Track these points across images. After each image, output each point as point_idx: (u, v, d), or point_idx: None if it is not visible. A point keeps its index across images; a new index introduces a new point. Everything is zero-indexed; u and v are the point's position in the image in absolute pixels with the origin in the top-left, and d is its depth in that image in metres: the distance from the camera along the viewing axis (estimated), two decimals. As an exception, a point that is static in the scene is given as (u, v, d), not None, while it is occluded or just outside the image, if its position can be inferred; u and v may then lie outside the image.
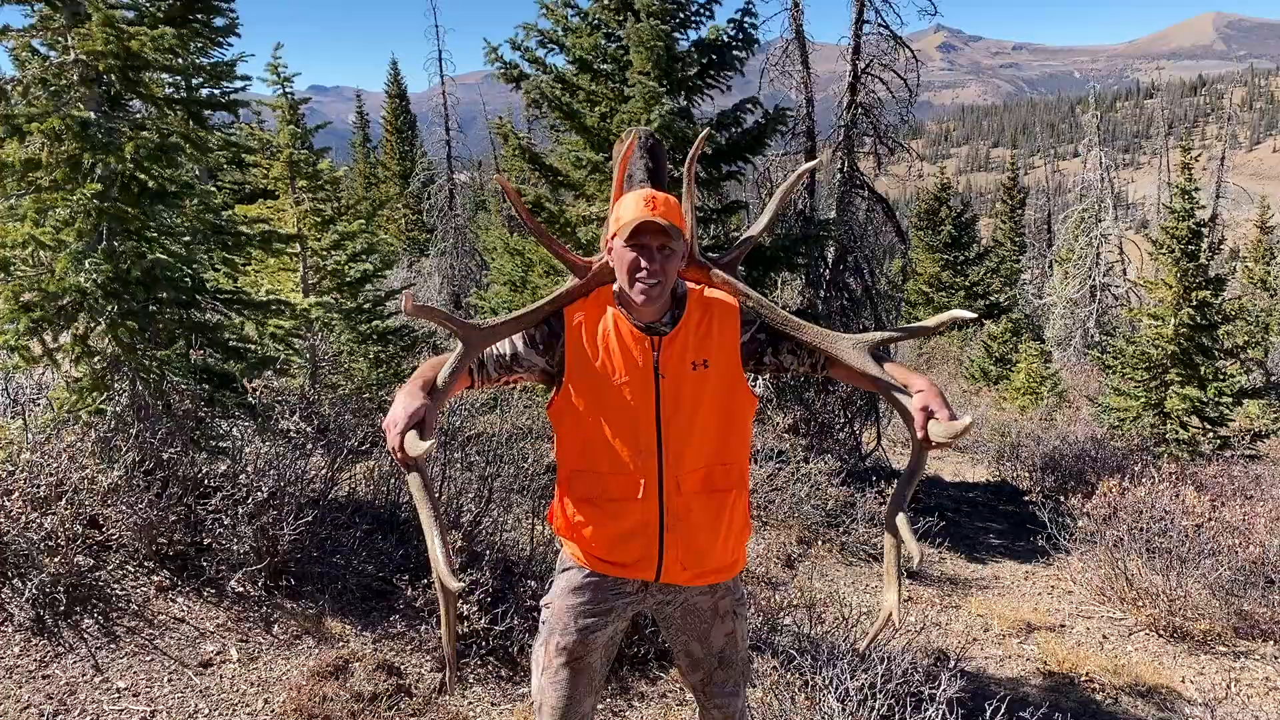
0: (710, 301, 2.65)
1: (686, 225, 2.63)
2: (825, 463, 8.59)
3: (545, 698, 2.74)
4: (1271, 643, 6.38)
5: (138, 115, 5.66)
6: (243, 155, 7.11)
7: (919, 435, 2.39)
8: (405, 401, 2.31)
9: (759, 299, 2.65)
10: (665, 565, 2.64)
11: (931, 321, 2.49)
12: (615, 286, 2.61)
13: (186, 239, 5.81)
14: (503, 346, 2.59)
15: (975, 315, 2.55)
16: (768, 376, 2.29)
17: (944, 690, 3.91)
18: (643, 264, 2.48)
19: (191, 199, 5.74)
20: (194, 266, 5.88)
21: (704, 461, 2.63)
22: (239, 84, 7.14)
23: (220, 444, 5.73)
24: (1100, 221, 25.29)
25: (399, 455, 2.26)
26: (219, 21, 5.91)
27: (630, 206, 2.51)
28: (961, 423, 2.30)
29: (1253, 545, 6.92)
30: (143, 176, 5.24)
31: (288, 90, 9.19)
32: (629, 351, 2.57)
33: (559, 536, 2.81)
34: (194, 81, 7.55)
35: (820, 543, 7.54)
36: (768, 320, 2.64)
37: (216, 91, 8.01)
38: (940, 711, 3.78)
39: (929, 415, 2.38)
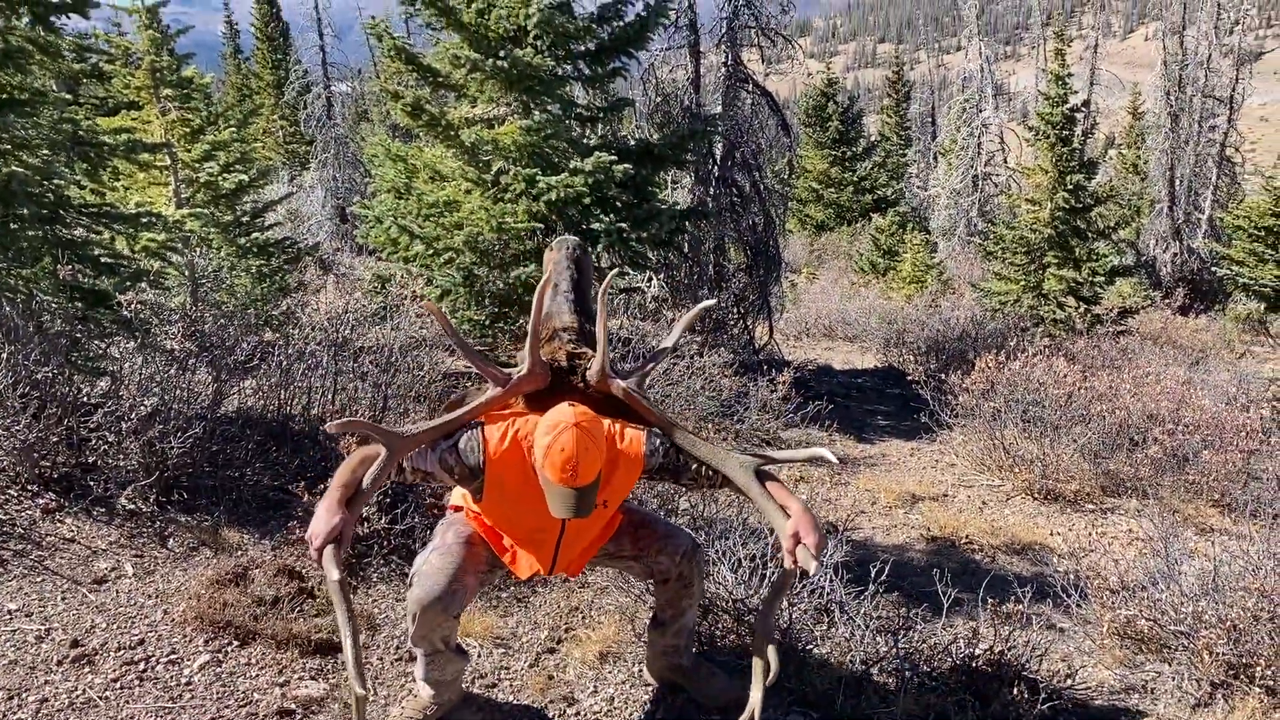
0: (618, 454, 2.84)
1: (599, 350, 2.88)
2: (719, 355, 8.75)
3: (430, 564, 2.90)
4: (1135, 498, 6.86)
5: (-23, 19, 5.31)
6: (101, 65, 6.74)
7: (787, 561, 2.65)
8: (325, 518, 2.53)
9: (661, 416, 2.94)
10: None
11: (804, 453, 2.83)
12: (532, 434, 2.72)
13: (45, 151, 5.53)
14: (422, 463, 2.77)
15: (836, 460, 2.96)
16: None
17: (831, 556, 4.12)
18: None
19: (46, 108, 5.45)
20: (55, 181, 5.61)
21: (586, 545, 3.05)
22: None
23: (98, 364, 5.55)
24: (981, 111, 25.77)
25: (320, 564, 2.51)
26: (61, -84, 5.53)
27: (554, 469, 2.54)
28: (811, 566, 2.60)
29: (1118, 410, 7.37)
30: (-12, 84, 4.94)
31: (144, -8, 8.69)
32: (541, 501, 2.72)
33: None
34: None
35: (715, 431, 7.74)
36: (669, 437, 2.89)
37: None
38: (827, 575, 3.99)
39: (798, 541, 2.62)
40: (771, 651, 2.69)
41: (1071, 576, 4.62)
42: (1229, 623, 3.84)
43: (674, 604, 3.21)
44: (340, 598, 2.51)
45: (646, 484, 5.43)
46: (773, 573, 3.96)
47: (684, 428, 2.92)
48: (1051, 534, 6.15)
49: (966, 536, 6.02)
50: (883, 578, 3.94)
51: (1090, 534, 6.21)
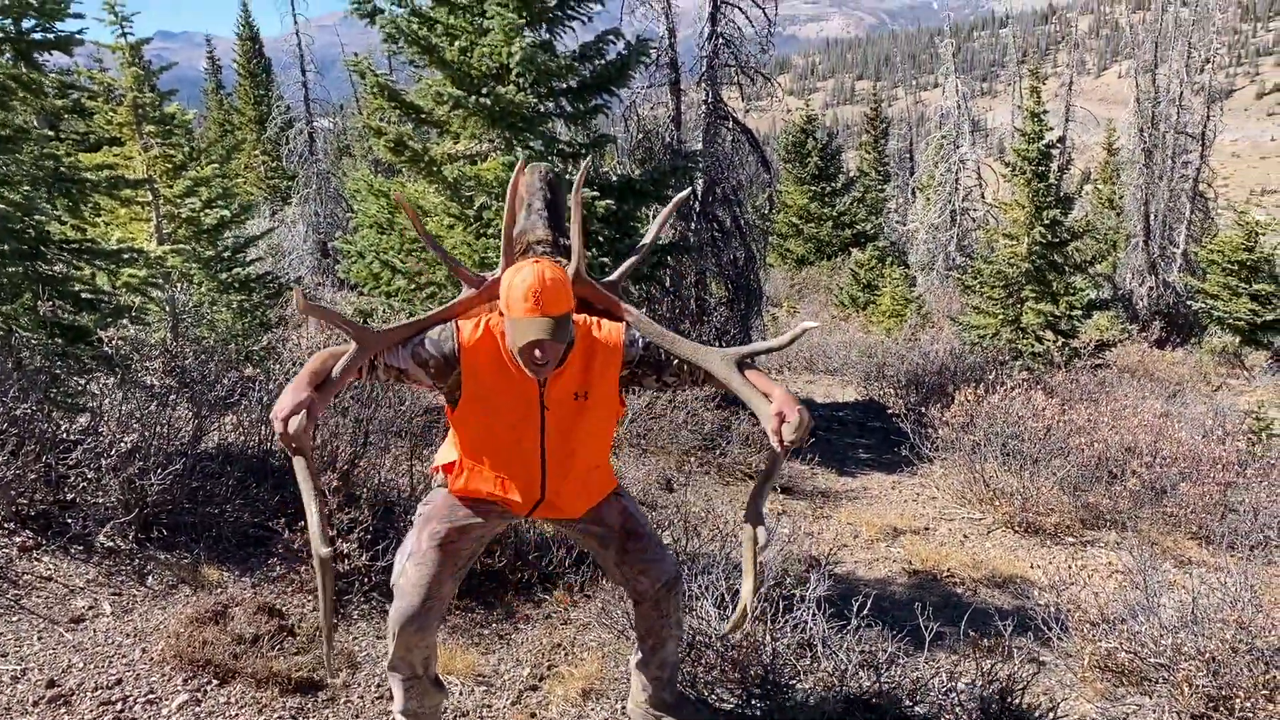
0: (595, 341, 2.82)
1: (575, 252, 2.88)
2: (701, 389, 8.79)
3: (407, 576, 2.88)
4: (1114, 530, 6.90)
5: (-40, 57, 5.34)
6: (84, 101, 6.75)
7: (774, 439, 2.67)
8: (292, 395, 2.48)
9: (637, 315, 2.93)
10: (535, 517, 3.05)
11: (786, 337, 2.80)
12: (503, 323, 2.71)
13: (26, 188, 5.53)
14: (395, 359, 2.73)
15: (818, 325, 2.88)
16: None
17: (813, 590, 4.12)
18: (535, 353, 2.62)
19: (28, 144, 5.46)
20: (36, 216, 5.61)
21: (579, 469, 2.94)
22: (74, 26, 6.77)
23: (77, 400, 5.52)
24: (958, 147, 26.10)
25: (284, 440, 2.45)
26: (46, -45, 5.58)
27: (519, 303, 2.56)
28: (796, 433, 2.61)
29: (1097, 443, 7.43)
30: (-29, 121, 4.95)
31: (127, 30, 8.72)
32: (518, 389, 2.75)
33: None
34: (24, 24, 7.12)
35: (697, 465, 7.76)
36: (647, 335, 2.87)
37: (51, 36, 7.57)
38: (809, 610, 3.99)
39: (782, 420, 2.65)
40: (760, 531, 2.75)
41: (1052, 609, 4.64)
42: (1208, 655, 3.86)
43: (654, 632, 3.20)
44: (305, 473, 2.51)
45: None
46: (756, 607, 3.96)
47: (660, 327, 2.92)
48: (1032, 567, 6.18)
49: (948, 570, 6.04)
50: (865, 612, 3.95)
51: (1070, 567, 6.22)
